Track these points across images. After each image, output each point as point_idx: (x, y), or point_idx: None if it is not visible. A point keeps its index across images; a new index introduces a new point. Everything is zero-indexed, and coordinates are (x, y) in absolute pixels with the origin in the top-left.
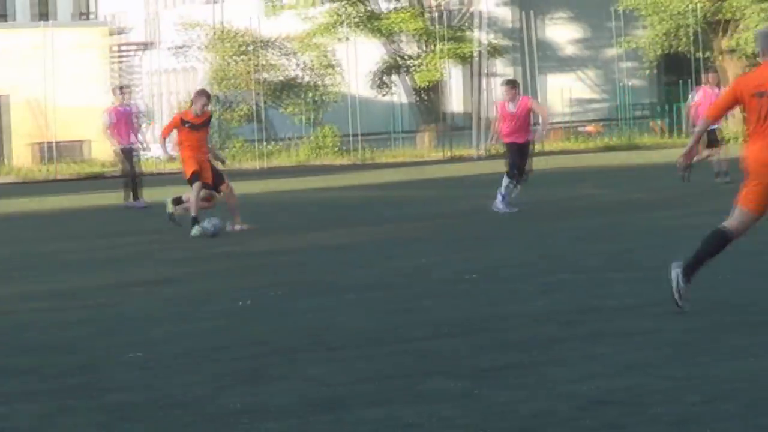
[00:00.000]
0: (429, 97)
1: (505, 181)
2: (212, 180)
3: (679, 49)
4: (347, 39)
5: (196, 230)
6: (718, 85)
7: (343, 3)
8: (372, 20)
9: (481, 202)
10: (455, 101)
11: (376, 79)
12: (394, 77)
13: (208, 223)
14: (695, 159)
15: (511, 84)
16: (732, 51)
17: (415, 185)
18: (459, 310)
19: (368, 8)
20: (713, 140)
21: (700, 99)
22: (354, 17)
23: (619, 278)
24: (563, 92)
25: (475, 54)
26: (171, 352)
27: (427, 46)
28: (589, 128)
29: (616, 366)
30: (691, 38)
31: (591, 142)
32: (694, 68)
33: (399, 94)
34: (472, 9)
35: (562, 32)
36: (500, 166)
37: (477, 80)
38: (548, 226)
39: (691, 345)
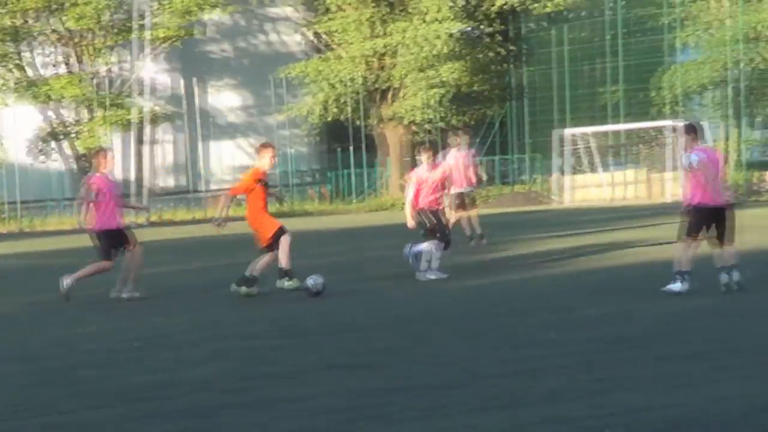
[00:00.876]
0: (91, 164)
1: (437, 251)
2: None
3: (342, 116)
4: (6, 105)
5: (291, 283)
6: (467, 145)
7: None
8: (31, 86)
9: (147, 270)
10: (118, 168)
11: (35, 145)
12: (55, 144)
13: (312, 281)
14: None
15: (433, 150)
16: (392, 119)
17: (80, 252)
18: (124, 378)
19: (27, 74)
20: (462, 203)
21: (455, 160)
22: (12, 83)
23: (285, 344)
24: (227, 159)
25: (138, 121)
26: None
27: (89, 113)
28: None
29: None
30: (353, 106)
31: None
32: (360, 135)
33: (61, 160)
34: (134, 76)
35: (226, 99)
36: (163, 233)
37: (140, 147)
38: (212, 293)
39: (363, 409)
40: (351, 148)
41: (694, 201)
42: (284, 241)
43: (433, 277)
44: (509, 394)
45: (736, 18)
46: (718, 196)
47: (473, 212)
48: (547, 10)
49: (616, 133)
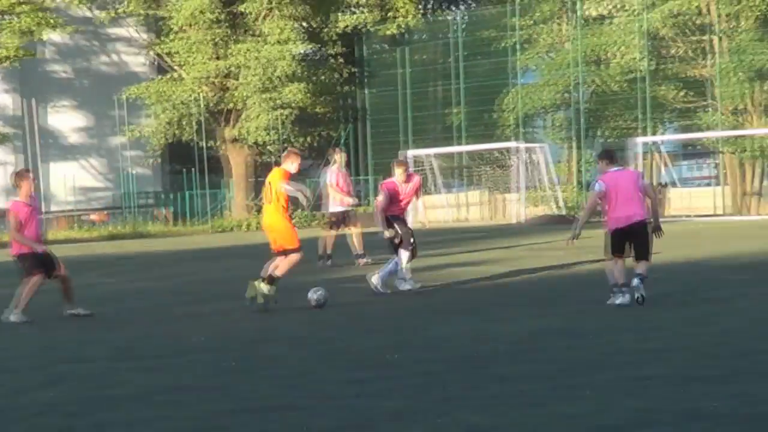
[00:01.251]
0: None
1: (406, 256)
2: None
3: (184, 138)
4: None
5: (270, 288)
6: (347, 164)
7: None
8: None
9: None
10: None
11: None
12: None
13: (316, 294)
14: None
15: (407, 165)
16: (235, 140)
17: None
18: None
19: None
20: (338, 222)
21: (336, 178)
22: None
23: (129, 366)
24: (67, 180)
25: None
26: None
27: None
28: (94, 217)
29: None
30: (195, 127)
31: (96, 231)
32: (198, 157)
33: None
34: None
35: (66, 120)
36: (3, 255)
37: None
38: (50, 315)
39: (208, 431)
40: (194, 169)
41: (609, 226)
42: (294, 258)
43: (408, 287)
44: (354, 414)
45: (575, 41)
46: (630, 214)
47: (356, 230)
48: (390, 32)
49: (461, 154)
